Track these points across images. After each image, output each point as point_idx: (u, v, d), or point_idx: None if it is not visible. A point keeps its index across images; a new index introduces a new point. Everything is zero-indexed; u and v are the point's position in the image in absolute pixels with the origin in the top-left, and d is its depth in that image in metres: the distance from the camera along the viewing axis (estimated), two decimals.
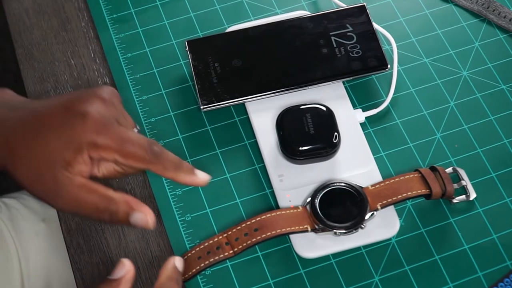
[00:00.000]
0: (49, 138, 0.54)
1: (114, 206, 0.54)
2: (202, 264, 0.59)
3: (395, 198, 0.60)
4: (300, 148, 0.62)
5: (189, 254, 0.60)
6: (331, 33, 0.69)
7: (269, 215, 0.60)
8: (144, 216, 0.54)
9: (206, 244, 0.60)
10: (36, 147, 0.54)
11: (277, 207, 0.63)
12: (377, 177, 0.64)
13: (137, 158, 0.55)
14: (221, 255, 0.59)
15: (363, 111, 0.67)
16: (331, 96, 0.67)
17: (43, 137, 0.54)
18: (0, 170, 0.56)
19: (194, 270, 0.59)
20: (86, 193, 0.54)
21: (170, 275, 0.55)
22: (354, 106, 0.68)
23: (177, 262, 0.56)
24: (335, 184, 0.62)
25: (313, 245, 0.60)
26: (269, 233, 0.59)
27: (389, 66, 0.67)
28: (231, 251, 0.59)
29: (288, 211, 0.60)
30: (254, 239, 0.59)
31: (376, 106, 0.68)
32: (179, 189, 0.65)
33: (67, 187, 0.54)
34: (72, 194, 0.54)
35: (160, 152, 0.56)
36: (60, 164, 0.54)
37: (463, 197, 0.63)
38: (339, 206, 0.60)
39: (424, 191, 0.61)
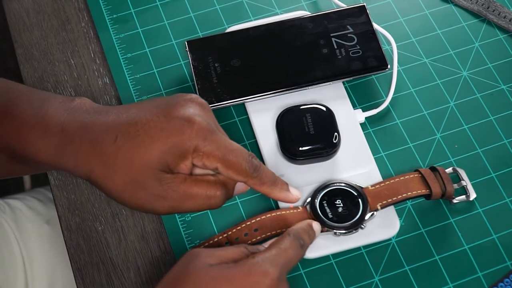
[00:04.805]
0: (148, 144, 0.51)
1: (225, 187, 0.54)
2: None
3: (395, 198, 0.60)
4: (300, 148, 0.62)
5: None
6: (331, 33, 0.69)
7: (269, 215, 0.60)
8: (243, 185, 0.56)
9: (206, 244, 0.60)
10: (133, 154, 0.51)
11: (277, 207, 0.63)
12: (377, 177, 0.64)
13: (239, 169, 0.53)
14: None
15: (363, 111, 0.67)
16: (331, 96, 0.67)
17: (141, 143, 0.51)
18: (84, 179, 0.53)
19: None
20: (194, 186, 0.53)
21: (304, 228, 0.56)
22: (354, 106, 0.68)
23: (315, 224, 0.58)
24: (335, 184, 0.62)
25: (313, 245, 0.60)
26: (269, 233, 0.59)
27: (389, 66, 0.67)
28: None
29: (288, 211, 0.60)
30: (254, 239, 0.59)
31: (376, 106, 0.68)
32: None
33: (173, 185, 0.52)
34: (180, 191, 0.52)
35: (259, 165, 0.55)
36: (161, 169, 0.52)
37: (463, 197, 0.63)
38: (339, 206, 0.60)
39: (424, 191, 0.61)
